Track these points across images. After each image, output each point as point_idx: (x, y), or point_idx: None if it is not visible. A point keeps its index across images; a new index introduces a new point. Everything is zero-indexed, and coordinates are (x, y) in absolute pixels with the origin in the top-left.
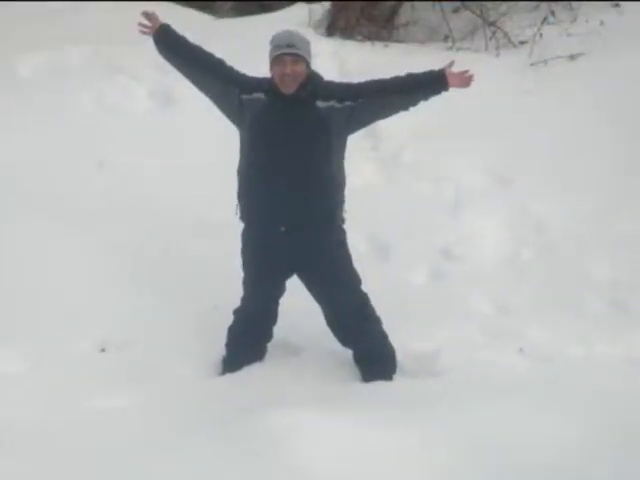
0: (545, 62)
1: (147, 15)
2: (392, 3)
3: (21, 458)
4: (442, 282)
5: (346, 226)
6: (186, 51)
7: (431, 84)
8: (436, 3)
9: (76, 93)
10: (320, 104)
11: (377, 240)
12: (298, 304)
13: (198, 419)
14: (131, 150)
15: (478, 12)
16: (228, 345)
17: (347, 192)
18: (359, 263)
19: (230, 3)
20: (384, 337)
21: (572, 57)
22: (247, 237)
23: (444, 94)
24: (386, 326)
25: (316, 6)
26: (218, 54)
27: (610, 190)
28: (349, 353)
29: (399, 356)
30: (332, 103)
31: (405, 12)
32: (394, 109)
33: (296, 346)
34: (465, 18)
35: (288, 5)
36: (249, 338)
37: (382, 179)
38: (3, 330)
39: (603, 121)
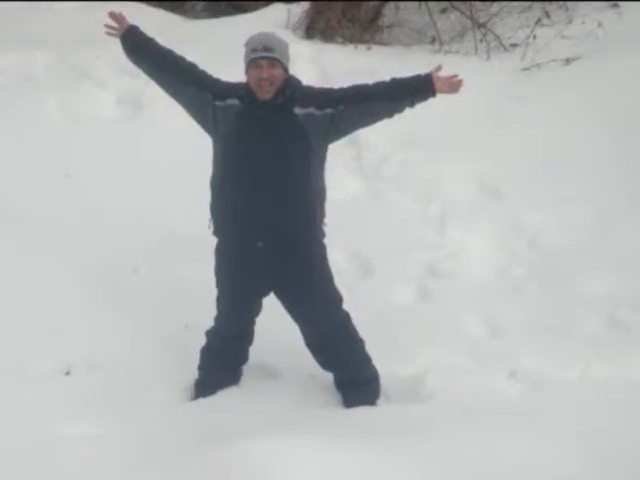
0: (538, 66)
1: (114, 16)
2: (375, 3)
3: None
4: (429, 301)
5: (326, 241)
6: (155, 54)
7: (417, 90)
8: (422, 3)
9: (39, 100)
10: (298, 111)
11: (359, 256)
12: (276, 324)
13: (169, 447)
14: (99, 161)
15: (467, 13)
16: (201, 368)
17: (327, 205)
18: (340, 281)
19: (203, 3)
20: (367, 360)
21: (567, 61)
22: (221, 253)
23: (431, 100)
24: (369, 348)
25: (294, 7)
26: (190, 58)
27: (608, 201)
28: (330, 376)
29: (383, 380)
30: (311, 110)
31: (389, 13)
32: (378, 116)
33: (274, 369)
34: (453, 19)
35: (265, 5)
36: (223, 360)
37: (364, 191)
38: None
39: (600, 129)
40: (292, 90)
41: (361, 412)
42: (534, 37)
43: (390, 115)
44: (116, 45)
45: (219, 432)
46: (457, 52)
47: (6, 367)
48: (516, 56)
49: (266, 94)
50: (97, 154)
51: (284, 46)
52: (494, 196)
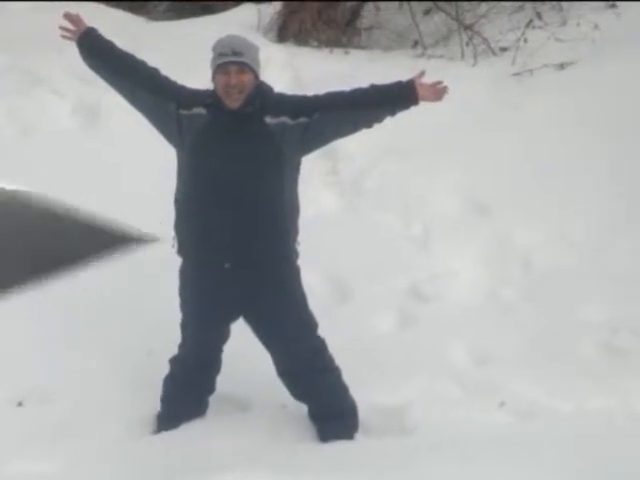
0: (530, 72)
1: (70, 17)
2: (353, 4)
3: None
4: (412, 327)
5: (300, 262)
6: (114, 59)
7: (399, 97)
8: (404, 3)
9: None
10: (270, 120)
11: (336, 279)
12: (245, 351)
13: None
14: (52, 175)
15: (453, 14)
16: (164, 399)
17: (301, 222)
18: (315, 305)
19: (166, 3)
20: (344, 390)
21: (562, 66)
22: (186, 274)
23: (413, 108)
24: (347, 377)
25: (266, 7)
26: (152, 62)
27: (606, 216)
28: (304, 408)
29: (362, 412)
30: (284, 119)
31: (368, 14)
32: (356, 126)
33: (243, 400)
34: (438, 21)
35: (234, 6)
36: (188, 390)
37: (342, 206)
38: None
39: (599, 138)
40: (263, 98)
41: (337, 446)
42: (525, 40)
43: (369, 125)
44: (72, 48)
45: (184, 468)
46: (442, 56)
47: None
48: (506, 61)
49: (235, 102)
50: (50, 167)
51: (254, 50)
52: (482, 211)
